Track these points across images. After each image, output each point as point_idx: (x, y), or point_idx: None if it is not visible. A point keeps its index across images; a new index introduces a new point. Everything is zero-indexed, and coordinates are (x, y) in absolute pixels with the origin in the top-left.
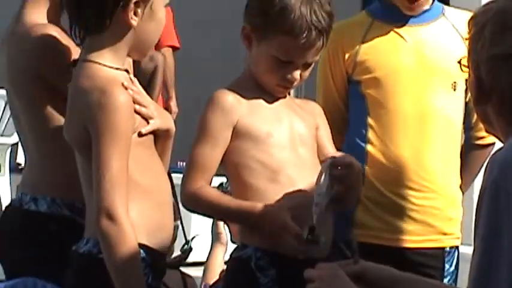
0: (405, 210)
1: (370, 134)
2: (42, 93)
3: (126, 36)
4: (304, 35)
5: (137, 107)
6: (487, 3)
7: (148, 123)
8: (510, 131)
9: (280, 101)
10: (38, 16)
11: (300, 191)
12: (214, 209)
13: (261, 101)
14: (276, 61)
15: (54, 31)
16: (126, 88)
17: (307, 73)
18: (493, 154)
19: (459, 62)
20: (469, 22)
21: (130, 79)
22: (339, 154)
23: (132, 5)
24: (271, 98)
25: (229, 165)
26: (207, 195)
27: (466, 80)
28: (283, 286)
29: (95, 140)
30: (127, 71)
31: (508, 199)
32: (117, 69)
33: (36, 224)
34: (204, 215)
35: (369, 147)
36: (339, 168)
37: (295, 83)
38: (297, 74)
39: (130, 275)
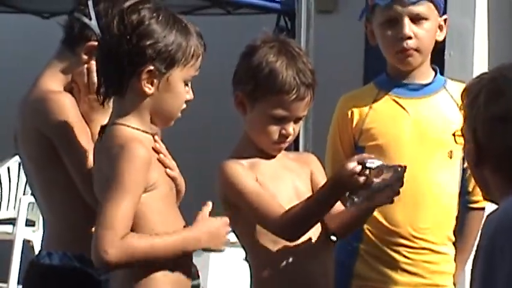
0: (400, 263)
1: None
2: (48, 154)
3: (143, 102)
4: (294, 91)
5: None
6: (478, 75)
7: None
8: (506, 189)
9: (277, 158)
10: (53, 84)
11: None
12: (310, 210)
13: (262, 162)
14: (271, 119)
15: (67, 98)
16: (153, 150)
17: (298, 127)
18: (489, 214)
19: (453, 135)
20: (462, 93)
21: (159, 144)
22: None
23: (144, 75)
24: (269, 158)
25: (240, 227)
26: (295, 208)
27: (463, 149)
28: None
29: (105, 184)
30: (153, 136)
31: (502, 256)
32: (144, 132)
33: (51, 277)
34: (311, 224)
35: None
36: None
37: (289, 138)
38: (290, 128)
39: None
